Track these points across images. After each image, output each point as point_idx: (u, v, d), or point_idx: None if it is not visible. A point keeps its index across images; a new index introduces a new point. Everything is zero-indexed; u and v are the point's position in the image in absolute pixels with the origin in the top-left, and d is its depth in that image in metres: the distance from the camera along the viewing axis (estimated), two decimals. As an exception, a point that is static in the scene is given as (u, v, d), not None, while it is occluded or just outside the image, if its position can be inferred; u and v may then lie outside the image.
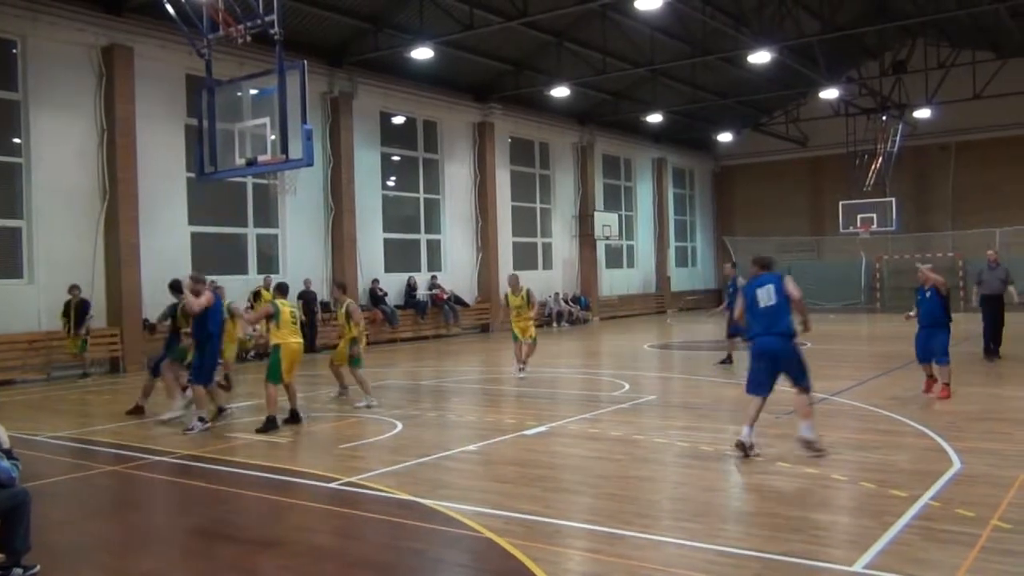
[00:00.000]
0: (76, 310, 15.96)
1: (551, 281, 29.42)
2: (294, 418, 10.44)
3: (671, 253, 36.49)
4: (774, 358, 7.90)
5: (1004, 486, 6.69)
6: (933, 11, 22.70)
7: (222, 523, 6.67)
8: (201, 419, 10.12)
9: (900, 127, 31.31)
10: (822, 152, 34.88)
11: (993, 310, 15.05)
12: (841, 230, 32.57)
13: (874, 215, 31.38)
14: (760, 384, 7.96)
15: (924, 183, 34.13)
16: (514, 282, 15.22)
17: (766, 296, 8.02)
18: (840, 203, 32.35)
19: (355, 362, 11.77)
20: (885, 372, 13.96)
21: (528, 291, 14.90)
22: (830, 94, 28.64)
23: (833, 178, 34.37)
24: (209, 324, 10.26)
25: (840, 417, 10.18)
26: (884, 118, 30.74)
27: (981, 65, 27.04)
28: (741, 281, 12.27)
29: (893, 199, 31.35)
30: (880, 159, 31.50)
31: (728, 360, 15.30)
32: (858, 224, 31.67)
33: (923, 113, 30.15)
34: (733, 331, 14.39)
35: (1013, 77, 27.22)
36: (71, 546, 6.09)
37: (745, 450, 7.80)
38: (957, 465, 7.44)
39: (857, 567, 5.04)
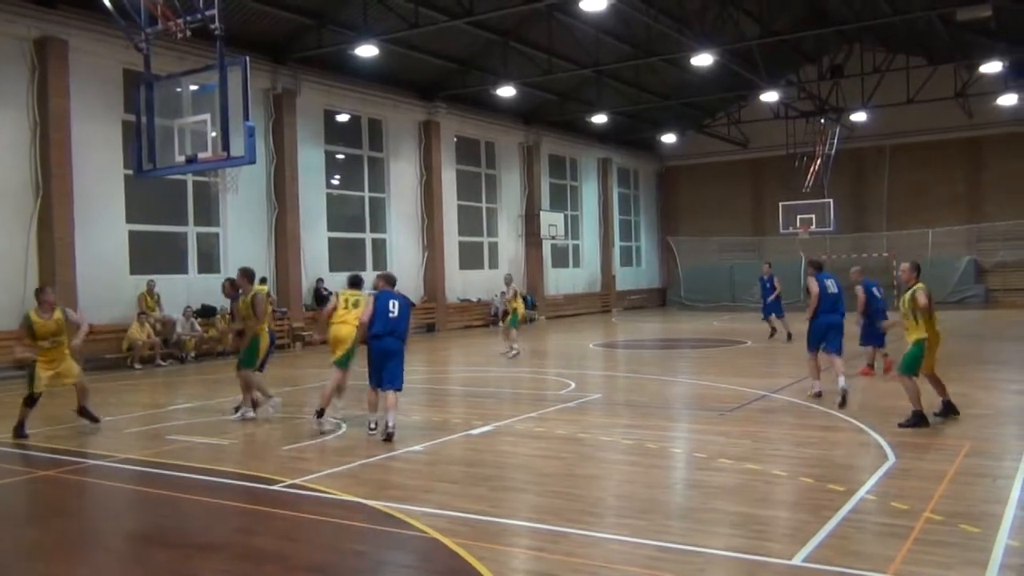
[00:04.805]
0: None
1: (497, 280, 29.37)
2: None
3: (616, 252, 36.81)
4: (836, 327, 11.15)
5: (936, 479, 6.90)
6: (869, 17, 23.30)
7: (160, 527, 6.52)
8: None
9: (837, 130, 32.06)
10: (763, 154, 35.53)
11: None
12: (781, 231, 33.22)
13: (813, 216, 32.07)
14: (836, 344, 11.09)
15: (860, 185, 35.02)
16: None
17: (832, 287, 11.28)
18: (780, 204, 33.02)
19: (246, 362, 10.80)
20: (822, 370, 14.23)
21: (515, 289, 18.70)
22: (770, 97, 29.21)
23: (773, 179, 35.09)
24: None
25: (779, 413, 10.39)
26: (822, 121, 31.44)
27: (915, 70, 27.83)
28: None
29: (831, 200, 32.08)
30: (818, 161, 32.20)
31: (774, 333, 19.84)
32: (797, 225, 32.32)
33: (859, 116, 30.95)
34: (767, 312, 20.35)
35: (944, 82, 28.07)
36: (3, 554, 5.90)
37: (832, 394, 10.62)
38: (891, 459, 7.65)
39: (796, 560, 5.15)
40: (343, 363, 9.98)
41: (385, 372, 9.08)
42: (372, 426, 9.27)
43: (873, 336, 12.99)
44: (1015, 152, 31.88)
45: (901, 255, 30.18)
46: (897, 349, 9.91)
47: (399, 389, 9.17)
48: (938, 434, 8.74)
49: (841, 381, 10.62)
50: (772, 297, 20.06)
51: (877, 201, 34.81)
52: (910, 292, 9.28)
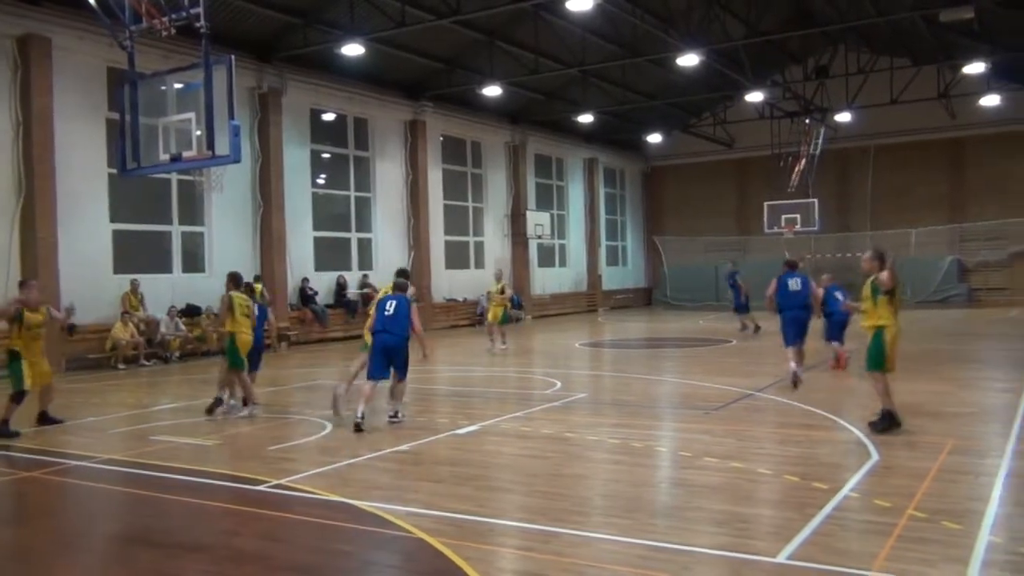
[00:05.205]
0: None
1: (483, 280, 29.37)
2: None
3: (602, 252, 36.87)
4: (800, 322, 12.23)
5: (919, 477, 6.95)
6: (854, 18, 23.45)
7: (144, 528, 6.49)
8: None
9: (822, 130, 32.22)
10: (748, 154, 35.64)
11: None
12: (766, 230, 33.36)
13: (798, 216, 32.23)
14: (792, 338, 12.09)
15: (845, 185, 35.21)
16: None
17: (794, 284, 12.32)
18: (765, 204, 33.16)
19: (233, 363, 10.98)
20: (805, 369, 14.32)
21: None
22: (755, 97, 29.33)
23: (759, 179, 35.21)
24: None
25: (764, 412, 10.44)
26: (807, 121, 31.57)
27: (899, 71, 28.02)
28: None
29: (815, 200, 32.24)
30: (803, 161, 32.33)
31: (753, 328, 21.05)
32: (782, 224, 32.47)
33: (844, 117, 31.11)
34: (743, 309, 21.68)
35: (927, 83, 28.28)
36: (-17, 556, 5.86)
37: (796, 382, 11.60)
38: (875, 457, 7.70)
39: (781, 558, 5.18)
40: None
41: (394, 367, 10.10)
42: (359, 417, 9.62)
43: (834, 334, 14.01)
44: (998, 152, 32.13)
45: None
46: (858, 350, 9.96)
47: (402, 378, 10.19)
48: (921, 432, 8.79)
49: (792, 366, 11.82)
50: (743, 294, 21.76)
51: (861, 201, 35.00)
52: (872, 277, 8.91)
